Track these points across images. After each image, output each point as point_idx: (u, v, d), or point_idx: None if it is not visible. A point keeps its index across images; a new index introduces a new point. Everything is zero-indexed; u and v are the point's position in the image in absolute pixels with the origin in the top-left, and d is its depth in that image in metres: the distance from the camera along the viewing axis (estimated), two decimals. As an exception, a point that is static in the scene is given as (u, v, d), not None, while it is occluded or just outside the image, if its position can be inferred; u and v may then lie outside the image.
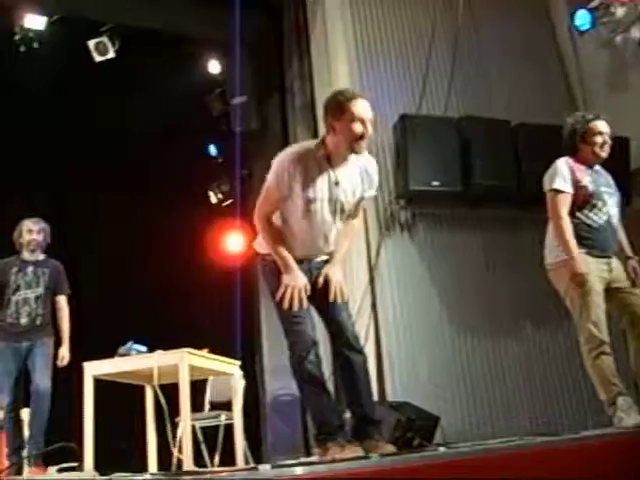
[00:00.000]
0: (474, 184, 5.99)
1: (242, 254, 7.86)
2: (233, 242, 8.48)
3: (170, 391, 4.67)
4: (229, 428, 5.47)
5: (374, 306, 5.79)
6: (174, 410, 4.56)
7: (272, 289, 3.32)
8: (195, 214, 8.10)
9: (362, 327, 5.35)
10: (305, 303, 3.23)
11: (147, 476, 3.10)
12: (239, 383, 5.45)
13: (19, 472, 4.68)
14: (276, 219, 3.32)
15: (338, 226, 3.32)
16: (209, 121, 8.31)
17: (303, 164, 3.17)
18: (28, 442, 4.94)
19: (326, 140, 3.24)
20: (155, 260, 7.32)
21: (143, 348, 4.65)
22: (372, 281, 5.87)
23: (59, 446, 4.02)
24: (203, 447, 5.71)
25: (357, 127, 3.14)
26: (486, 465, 2.16)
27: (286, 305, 3.18)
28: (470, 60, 6.59)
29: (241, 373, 5.48)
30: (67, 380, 5.22)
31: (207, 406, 6.08)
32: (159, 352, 4.52)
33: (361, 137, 3.16)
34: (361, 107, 3.17)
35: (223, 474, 3.12)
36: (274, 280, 3.29)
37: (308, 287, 3.24)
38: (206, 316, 7.60)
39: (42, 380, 4.98)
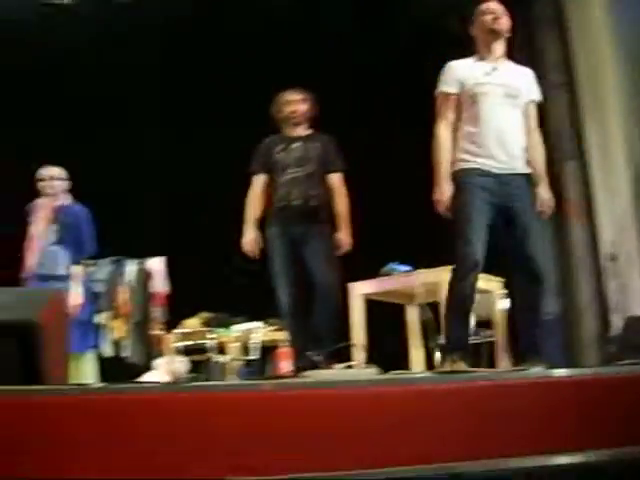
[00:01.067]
0: None
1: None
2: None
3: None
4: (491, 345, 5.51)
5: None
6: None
7: None
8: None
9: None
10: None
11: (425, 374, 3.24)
12: (500, 301, 5.43)
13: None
14: None
15: None
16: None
17: None
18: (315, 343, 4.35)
19: None
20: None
21: (406, 267, 4.82)
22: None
23: (344, 345, 4.13)
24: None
25: None
26: None
27: None
28: None
29: (503, 291, 5.44)
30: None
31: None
32: (421, 270, 4.67)
33: None
34: None
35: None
36: None
37: None
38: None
39: (326, 274, 4.32)
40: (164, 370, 6.60)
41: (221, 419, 2.32)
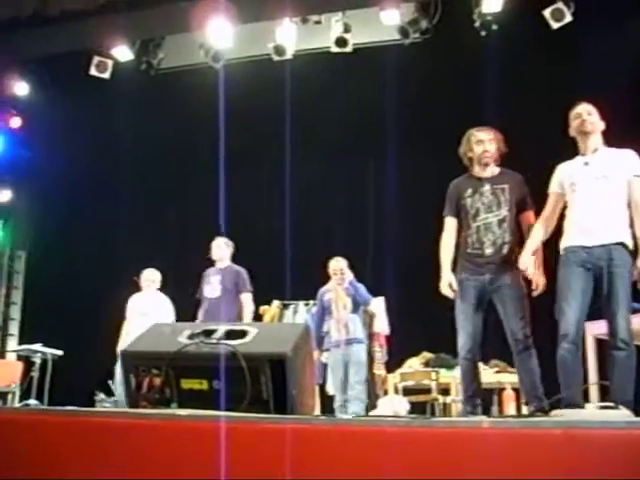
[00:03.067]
0: None
1: None
2: None
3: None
4: None
5: None
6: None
7: None
8: None
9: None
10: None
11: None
12: None
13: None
14: None
15: None
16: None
17: None
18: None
19: None
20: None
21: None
22: None
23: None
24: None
25: None
26: None
27: None
28: None
29: None
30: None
31: None
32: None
33: None
34: None
35: None
36: None
37: None
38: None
39: (517, 323, 4.30)
40: (386, 409, 6.69)
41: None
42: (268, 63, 8.06)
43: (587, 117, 4.17)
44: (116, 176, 8.86)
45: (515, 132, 7.41)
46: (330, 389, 6.99)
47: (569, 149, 4.33)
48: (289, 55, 8.01)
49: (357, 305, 6.43)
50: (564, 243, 4.13)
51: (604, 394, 4.37)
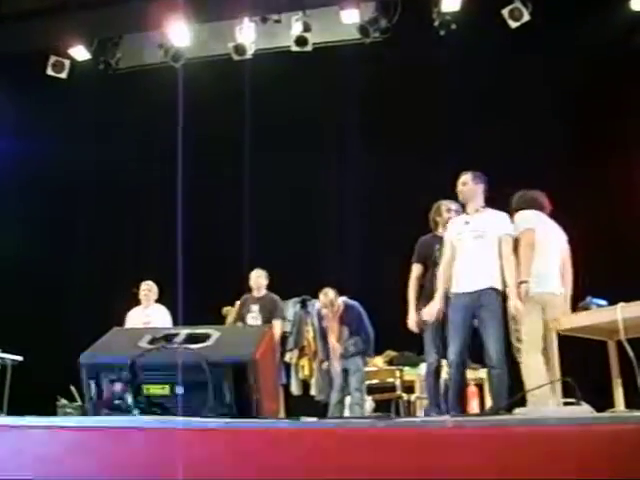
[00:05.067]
0: None
1: None
2: None
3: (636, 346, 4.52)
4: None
5: None
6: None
7: None
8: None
9: None
10: None
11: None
12: None
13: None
14: None
15: None
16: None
17: None
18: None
19: None
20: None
21: (603, 302, 4.59)
22: None
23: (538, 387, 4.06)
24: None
25: None
26: None
27: None
28: None
29: None
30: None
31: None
32: (622, 304, 4.42)
33: None
34: None
35: None
36: None
37: None
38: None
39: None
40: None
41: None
42: (228, 62, 8.01)
43: (461, 188, 4.99)
44: (75, 175, 8.72)
45: (474, 128, 7.59)
46: (294, 389, 6.99)
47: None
48: (249, 54, 7.97)
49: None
50: (452, 289, 4.90)
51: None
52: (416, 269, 5.35)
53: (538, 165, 7.14)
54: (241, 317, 6.71)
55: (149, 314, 7.09)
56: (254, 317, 6.64)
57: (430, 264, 5.29)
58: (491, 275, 4.82)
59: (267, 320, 6.53)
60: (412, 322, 5.19)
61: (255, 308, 6.69)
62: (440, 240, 5.26)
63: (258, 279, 6.81)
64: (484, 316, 4.73)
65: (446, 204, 5.39)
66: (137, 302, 7.20)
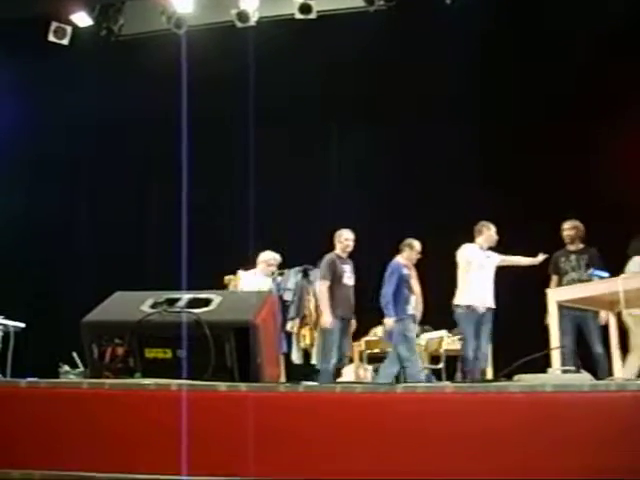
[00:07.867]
0: None
1: None
2: None
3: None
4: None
5: None
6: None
7: None
8: None
9: None
10: None
11: None
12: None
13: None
14: None
15: None
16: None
17: None
18: None
19: None
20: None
21: (605, 274, 4.60)
22: None
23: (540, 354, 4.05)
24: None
25: None
26: None
27: None
28: None
29: None
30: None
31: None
32: (623, 276, 4.43)
33: None
34: None
35: None
36: None
37: None
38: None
39: None
40: (351, 377, 6.74)
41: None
42: (231, 30, 7.93)
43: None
44: (76, 142, 8.70)
45: (485, 96, 7.56)
46: (295, 358, 7.00)
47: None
48: (252, 22, 7.89)
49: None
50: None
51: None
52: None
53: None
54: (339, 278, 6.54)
55: None
56: (349, 277, 6.57)
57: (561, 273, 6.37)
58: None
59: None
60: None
61: (349, 269, 6.59)
62: (567, 253, 6.27)
63: (348, 241, 6.64)
64: None
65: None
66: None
